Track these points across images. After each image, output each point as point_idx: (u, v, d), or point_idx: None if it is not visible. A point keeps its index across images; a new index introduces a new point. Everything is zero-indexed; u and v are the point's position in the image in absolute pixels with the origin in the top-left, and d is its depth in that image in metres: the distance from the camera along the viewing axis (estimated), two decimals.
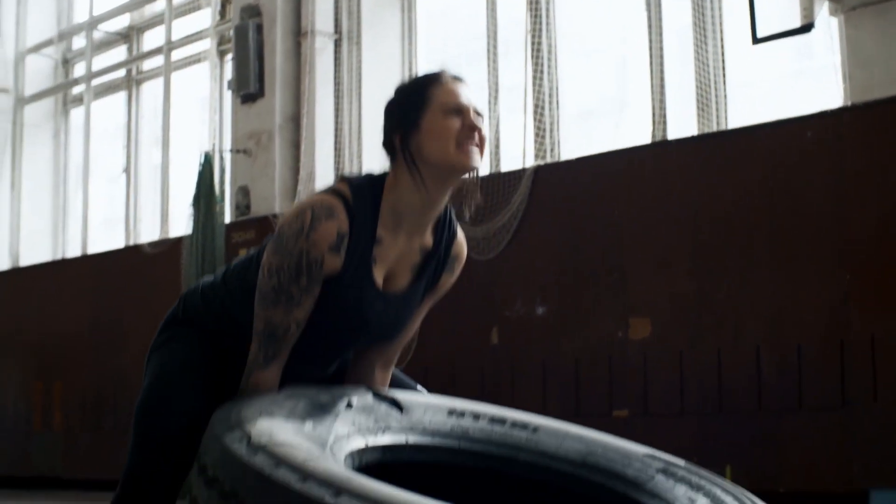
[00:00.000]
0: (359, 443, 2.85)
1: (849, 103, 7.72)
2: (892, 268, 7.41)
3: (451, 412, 3.18)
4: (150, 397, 3.14)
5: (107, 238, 13.67)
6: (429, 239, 3.18)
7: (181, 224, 12.04)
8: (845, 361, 7.50)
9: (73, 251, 14.00)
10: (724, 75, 8.70)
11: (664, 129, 8.85)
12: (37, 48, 14.60)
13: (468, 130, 3.04)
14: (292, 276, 2.96)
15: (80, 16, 14.48)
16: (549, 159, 9.41)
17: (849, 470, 7.47)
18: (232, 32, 11.49)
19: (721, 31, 8.70)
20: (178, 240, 11.62)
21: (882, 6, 7.58)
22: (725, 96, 8.70)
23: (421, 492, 3.07)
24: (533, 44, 9.61)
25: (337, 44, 11.08)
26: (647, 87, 9.01)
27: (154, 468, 3.08)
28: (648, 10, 9.03)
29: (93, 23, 13.99)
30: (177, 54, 12.92)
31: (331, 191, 3.06)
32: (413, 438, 3.04)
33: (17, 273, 14.20)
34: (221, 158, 11.28)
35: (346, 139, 10.63)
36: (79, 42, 14.49)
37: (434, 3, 11.05)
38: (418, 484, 3.08)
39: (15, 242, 14.42)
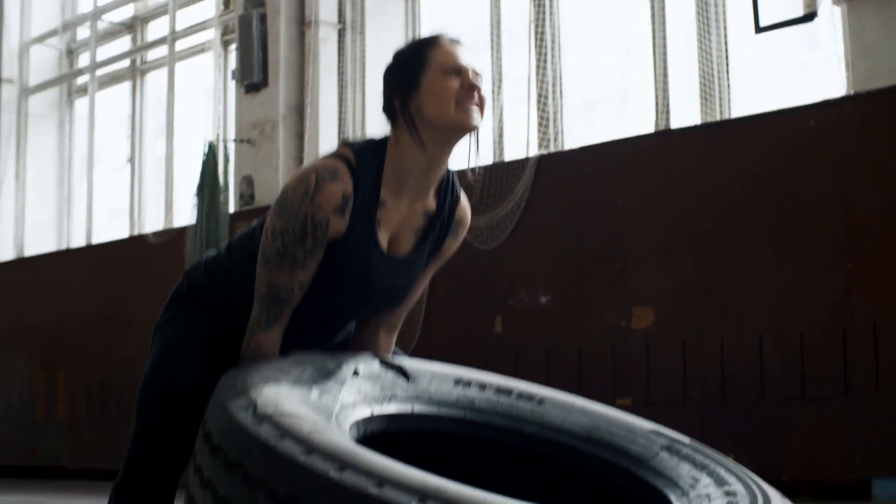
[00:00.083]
0: (364, 412, 2.84)
1: (851, 92, 7.72)
2: (894, 257, 7.42)
3: (458, 381, 3.18)
4: (154, 373, 3.14)
5: (111, 228, 13.69)
6: (431, 203, 3.17)
7: (185, 214, 12.05)
8: (848, 350, 7.51)
9: (78, 241, 14.02)
10: (727, 65, 8.70)
11: (667, 119, 8.85)
12: (41, 38, 14.61)
13: (467, 90, 3.04)
14: (297, 239, 2.95)
15: (85, 6, 14.48)
16: (552, 148, 9.42)
17: (851, 458, 7.49)
18: (236, 22, 11.50)
19: (724, 21, 8.70)
20: (182, 230, 11.63)
21: None
22: (728, 86, 8.70)
23: (425, 462, 3.04)
24: (536, 33, 9.61)
25: (341, 33, 11.08)
26: (651, 76, 9.01)
27: (158, 443, 3.07)
28: (652, 0, 9.03)
29: (97, 13, 13.99)
30: (181, 44, 12.93)
31: (334, 155, 3.07)
32: (418, 408, 3.03)
33: (21, 263, 14.22)
34: (225, 148, 11.28)
35: (350, 129, 10.64)
36: (83, 32, 14.49)
37: None
38: (422, 454, 3.08)
39: (20, 232, 14.43)
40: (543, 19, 9.63)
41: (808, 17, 7.83)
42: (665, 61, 8.94)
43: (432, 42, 3.14)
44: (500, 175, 9.33)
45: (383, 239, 3.09)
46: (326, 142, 10.77)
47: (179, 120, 12.82)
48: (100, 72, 13.90)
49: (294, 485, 2.27)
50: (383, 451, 2.77)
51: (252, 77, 11.17)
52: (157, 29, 13.60)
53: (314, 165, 3.03)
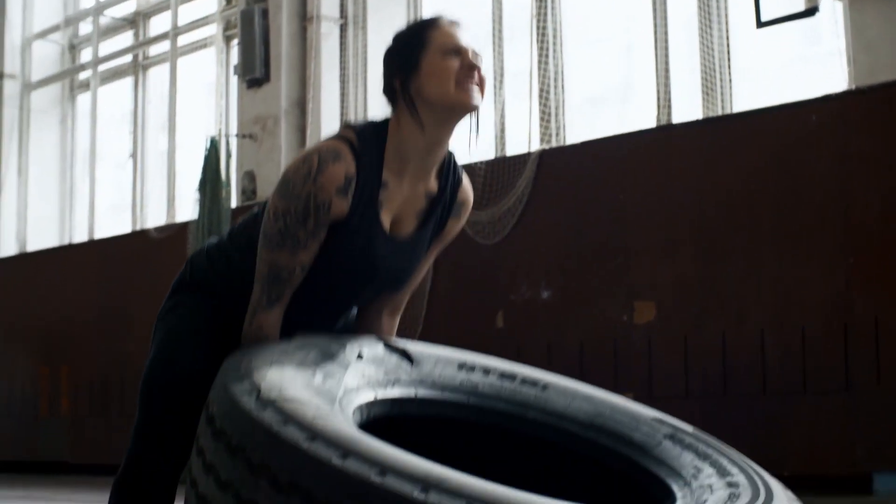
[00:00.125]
0: (368, 396, 2.84)
1: (853, 87, 7.72)
2: (895, 251, 7.43)
3: (462, 366, 3.17)
4: (156, 364, 3.14)
5: (113, 223, 13.70)
6: (433, 184, 3.17)
7: (187, 209, 12.05)
8: (849, 345, 7.52)
9: (80, 236, 14.03)
10: (728, 59, 8.70)
11: (669, 114, 8.86)
12: (43, 34, 14.62)
13: (467, 69, 3.05)
14: (299, 219, 2.96)
15: (87, 1, 14.49)
16: (554, 143, 9.43)
17: (852, 453, 7.49)
18: (238, 17, 11.51)
19: (726, 16, 8.70)
20: (185, 225, 11.64)
21: None
22: (730, 80, 8.70)
23: (427, 447, 3.02)
24: (538, 28, 9.62)
25: (343, 28, 11.09)
26: (652, 71, 9.02)
27: (160, 434, 3.08)
28: None
29: (99, 8, 14.01)
30: (183, 39, 12.93)
31: (336, 136, 3.07)
32: (422, 392, 3.02)
33: (24, 258, 14.23)
34: (227, 143, 11.29)
35: None
36: (85, 28, 14.50)
37: None
38: (425, 438, 3.09)
39: (22, 228, 14.44)
40: (545, 14, 9.63)
41: (810, 11, 7.83)
42: (667, 56, 8.95)
43: (432, 23, 3.14)
44: (501, 170, 9.34)
45: (386, 220, 3.09)
46: None
47: (181, 115, 12.82)
48: (102, 67, 13.91)
49: (297, 471, 2.27)
50: (386, 435, 2.76)
51: (254, 72, 11.18)
52: (159, 24, 13.61)
53: (317, 147, 3.03)
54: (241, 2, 11.53)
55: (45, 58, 14.62)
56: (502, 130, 9.94)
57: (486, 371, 3.20)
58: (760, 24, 8.10)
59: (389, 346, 3.11)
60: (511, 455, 3.21)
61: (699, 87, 8.69)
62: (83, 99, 14.39)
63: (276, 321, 3.04)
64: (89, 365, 12.75)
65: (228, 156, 11.21)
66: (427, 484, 2.16)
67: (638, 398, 8.24)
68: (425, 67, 3.05)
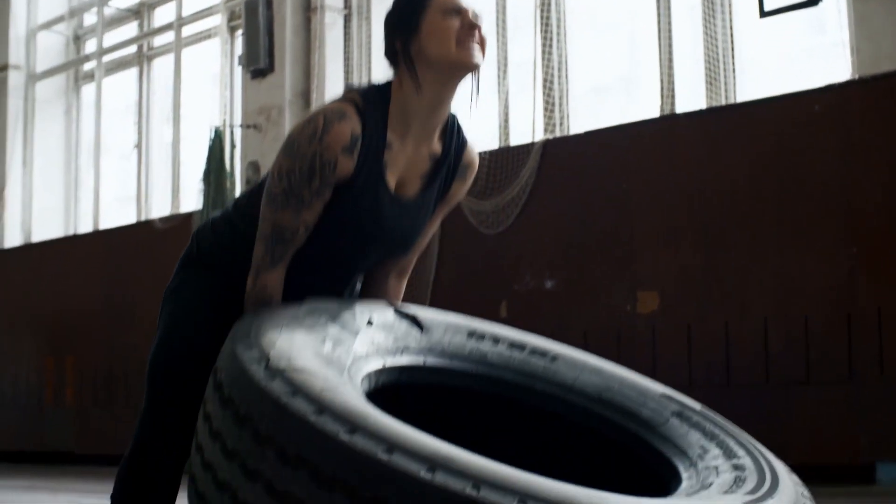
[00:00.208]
0: (377, 363, 2.81)
1: (856, 77, 7.72)
2: None
3: (472, 334, 3.15)
4: (163, 346, 3.14)
5: (118, 214, 13.71)
6: (437, 146, 3.17)
7: (192, 199, 12.08)
8: (852, 335, 7.52)
9: (85, 227, 14.05)
10: (732, 49, 8.70)
11: (672, 103, 8.85)
12: (48, 25, 14.63)
13: (468, 29, 3.05)
14: (304, 179, 2.95)
15: None
16: (557, 133, 9.43)
17: (855, 443, 7.50)
18: (242, 8, 11.51)
19: (730, 6, 8.70)
20: (189, 215, 11.66)
21: None
22: (734, 70, 8.70)
23: (434, 415, 3.06)
24: (542, 18, 9.61)
25: (347, 19, 11.09)
26: (656, 61, 9.01)
27: (165, 419, 3.08)
28: None
29: None
30: (187, 30, 12.94)
31: (340, 99, 3.07)
32: (431, 360, 3.00)
33: (29, 249, 14.25)
34: (232, 134, 11.30)
35: None
36: (90, 18, 14.51)
37: None
38: (432, 407, 3.10)
39: (27, 218, 14.47)
40: (549, 4, 9.63)
41: (813, 1, 7.83)
42: (670, 45, 8.95)
43: None
44: (505, 160, 9.34)
45: (391, 181, 3.09)
46: None
47: (186, 106, 12.84)
48: (107, 58, 13.92)
49: (303, 445, 2.25)
50: (394, 403, 2.75)
51: (258, 63, 11.19)
52: (163, 15, 13.61)
53: (322, 108, 3.04)
54: None
55: (50, 48, 14.63)
56: (506, 120, 9.94)
57: (496, 340, 3.18)
58: (764, 13, 8.10)
59: (400, 313, 3.09)
60: (517, 426, 3.20)
61: (703, 77, 8.69)
62: (88, 90, 14.41)
63: (279, 281, 3.03)
64: (94, 355, 12.77)
65: (233, 146, 11.23)
66: (434, 463, 2.14)
67: None
68: (426, 28, 3.05)
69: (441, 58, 3.03)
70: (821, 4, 7.97)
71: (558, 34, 9.63)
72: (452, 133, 3.19)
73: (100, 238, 13.35)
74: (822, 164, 7.78)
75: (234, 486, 2.36)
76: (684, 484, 2.71)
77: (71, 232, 14.24)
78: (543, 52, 9.58)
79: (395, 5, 3.18)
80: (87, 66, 14.40)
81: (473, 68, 3.06)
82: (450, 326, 3.14)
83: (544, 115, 9.51)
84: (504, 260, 9.32)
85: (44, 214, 14.42)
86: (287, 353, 2.53)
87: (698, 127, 8.48)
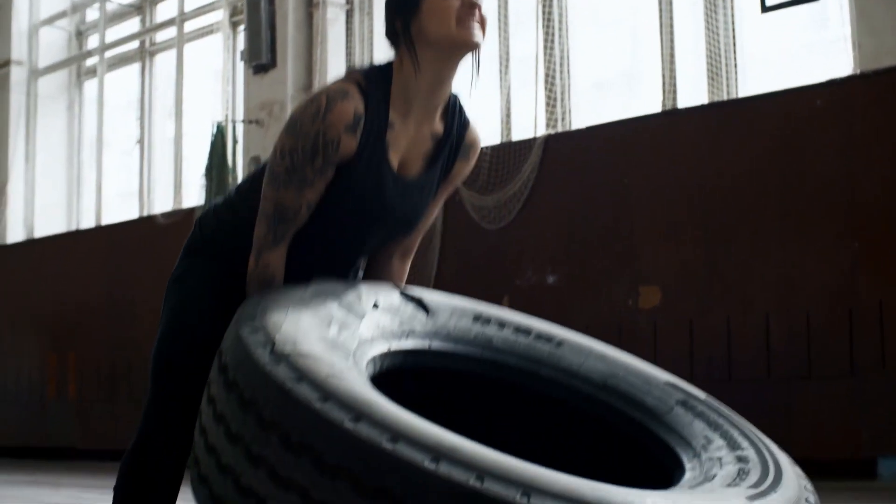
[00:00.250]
0: (382, 347, 2.79)
1: (858, 71, 7.72)
2: None
3: (477, 318, 3.13)
4: (167, 336, 3.14)
5: (120, 209, 13.72)
6: (438, 126, 3.17)
7: (194, 195, 12.08)
8: (854, 329, 7.52)
9: (87, 223, 14.06)
10: (734, 44, 8.70)
11: (674, 98, 8.86)
12: (50, 20, 14.64)
13: (468, 7, 3.04)
14: (307, 157, 2.94)
15: None
16: (559, 128, 9.43)
17: (857, 438, 7.50)
18: (244, 3, 11.51)
19: (732, 1, 8.70)
20: (191, 210, 11.66)
21: None
22: (736, 66, 8.70)
23: (438, 399, 3.05)
24: (544, 13, 9.62)
25: (349, 14, 11.09)
26: (658, 56, 9.02)
27: (172, 405, 3.08)
28: None
29: None
30: (189, 25, 12.95)
31: (343, 79, 3.09)
32: (436, 344, 2.98)
33: (31, 244, 14.26)
34: (234, 129, 11.31)
35: None
36: (92, 14, 14.51)
37: None
38: (436, 391, 3.09)
39: (29, 214, 14.47)
40: (551, 0, 9.64)
41: None
42: (672, 41, 8.95)
43: None
44: (507, 155, 9.34)
45: (394, 160, 3.08)
46: None
47: (188, 101, 12.84)
48: (109, 53, 13.93)
49: (308, 432, 2.24)
50: (398, 386, 2.74)
51: (260, 58, 11.19)
52: (165, 10, 13.61)
53: (324, 88, 3.03)
54: None
55: (52, 44, 14.63)
56: (508, 115, 9.95)
57: (502, 324, 3.16)
58: (765, 8, 8.10)
59: (406, 295, 3.07)
60: (521, 411, 3.19)
61: (704, 73, 8.69)
62: (90, 85, 14.41)
63: (281, 260, 3.02)
64: (97, 351, 12.78)
65: (235, 141, 11.23)
66: (438, 454, 2.13)
67: None
68: (426, 7, 3.04)
69: (441, 37, 3.02)
70: None
71: (560, 29, 9.64)
72: (454, 113, 3.19)
73: (102, 233, 13.35)
74: (823, 159, 7.78)
75: (238, 470, 2.35)
76: (687, 475, 2.69)
77: (73, 227, 14.25)
78: (545, 47, 9.59)
79: None
80: (90, 62, 14.40)
81: (474, 47, 3.05)
82: (455, 310, 3.12)
83: (546, 111, 9.51)
84: (506, 255, 9.33)
85: (46, 210, 14.43)
86: (292, 337, 2.51)
87: (700, 122, 8.48)
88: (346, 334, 2.69)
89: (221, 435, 2.44)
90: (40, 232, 14.34)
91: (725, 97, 8.59)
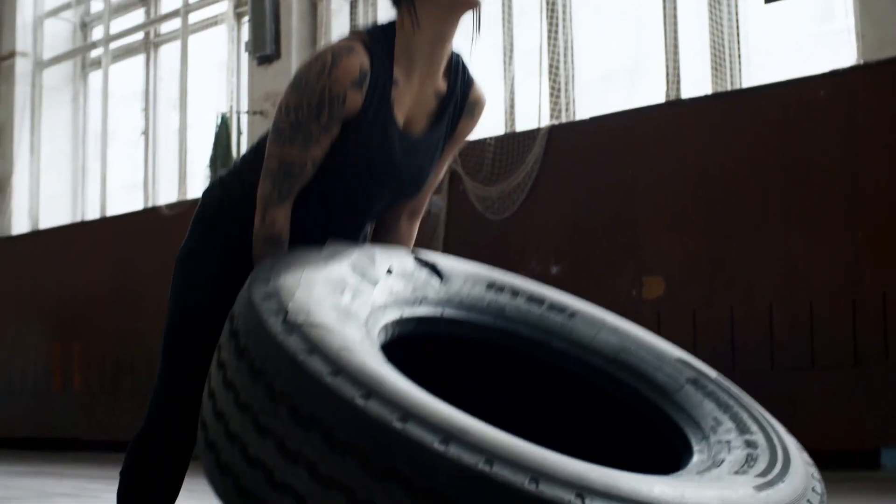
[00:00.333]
0: (394, 314, 2.77)
1: (861, 62, 7.72)
2: None
3: (491, 285, 3.10)
4: (177, 312, 3.15)
5: (125, 201, 13.73)
6: (442, 84, 3.17)
7: (199, 186, 12.08)
8: (857, 320, 7.52)
9: (92, 214, 14.08)
10: (738, 35, 8.70)
11: (678, 89, 8.86)
12: (55, 12, 14.64)
13: None
14: (313, 113, 2.93)
15: None
16: (563, 119, 9.43)
17: (860, 428, 7.51)
18: None
19: None
20: (196, 201, 11.63)
21: None
22: (739, 57, 8.70)
23: (448, 367, 3.04)
24: (548, 4, 9.62)
25: (353, 5, 11.10)
26: (662, 47, 9.02)
27: (181, 383, 3.07)
28: None
29: None
30: (194, 17, 12.95)
31: (347, 37, 3.09)
32: (448, 312, 2.96)
33: (36, 236, 14.28)
34: (238, 120, 11.32)
35: None
36: (97, 5, 14.50)
37: None
38: (447, 358, 3.08)
39: (34, 205, 14.49)
40: None
41: None
42: (676, 31, 8.95)
43: None
44: (511, 145, 9.35)
45: (399, 118, 3.07)
46: None
47: (193, 92, 12.85)
48: (113, 45, 13.93)
49: (317, 406, 2.22)
50: (409, 354, 2.73)
51: (265, 49, 11.19)
52: (170, 2, 13.61)
53: (329, 46, 3.03)
54: None
55: (57, 35, 14.64)
56: (512, 106, 9.95)
57: (515, 293, 3.12)
58: None
59: (420, 260, 3.04)
60: (531, 381, 3.17)
61: (708, 63, 8.69)
62: (95, 77, 14.42)
63: (286, 217, 3.00)
64: (102, 342, 12.80)
65: (239, 133, 11.25)
66: (448, 435, 2.11)
67: None
68: None
69: None
70: None
71: (564, 20, 9.64)
72: (458, 71, 3.19)
73: (107, 225, 13.37)
74: (827, 150, 7.78)
75: (245, 439, 2.34)
76: (695, 458, 2.68)
77: (78, 219, 14.26)
78: (549, 37, 9.59)
79: None
80: (94, 53, 14.40)
81: (474, 5, 3.06)
82: (469, 276, 3.09)
83: (550, 101, 9.51)
84: (510, 245, 9.33)
85: (51, 201, 14.44)
86: (305, 305, 2.48)
87: (704, 113, 8.48)
88: (359, 301, 2.66)
89: (231, 402, 2.41)
90: (45, 223, 14.35)
91: (729, 88, 8.59)
